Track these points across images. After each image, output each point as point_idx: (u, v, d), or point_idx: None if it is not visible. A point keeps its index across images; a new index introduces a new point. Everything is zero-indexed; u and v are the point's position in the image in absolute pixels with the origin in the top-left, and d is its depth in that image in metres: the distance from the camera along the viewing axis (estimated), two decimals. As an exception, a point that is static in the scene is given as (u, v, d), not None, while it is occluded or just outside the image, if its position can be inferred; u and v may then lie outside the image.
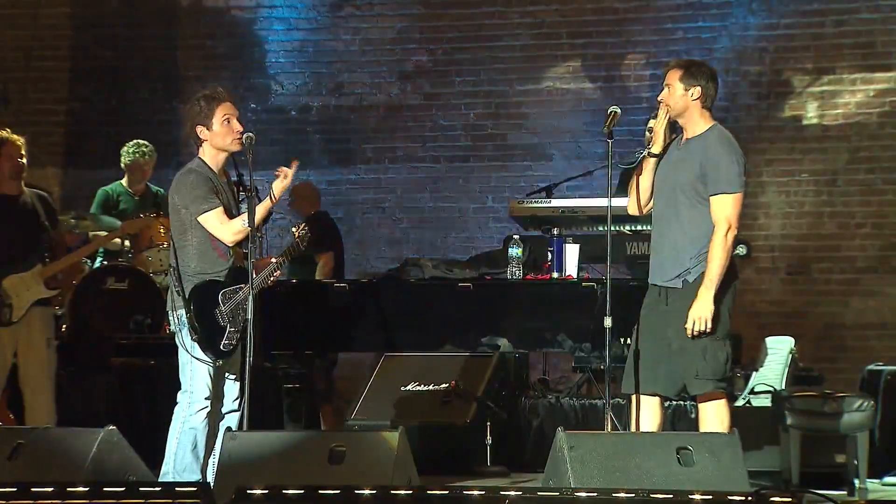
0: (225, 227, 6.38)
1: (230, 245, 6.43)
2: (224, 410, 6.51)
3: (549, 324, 8.11)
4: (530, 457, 8.08)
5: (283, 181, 6.45)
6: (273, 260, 6.61)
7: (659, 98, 6.36)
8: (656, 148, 6.33)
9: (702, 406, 6.29)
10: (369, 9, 11.71)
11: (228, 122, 6.47)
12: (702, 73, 6.32)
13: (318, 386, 9.17)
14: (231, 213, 6.47)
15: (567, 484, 5.52)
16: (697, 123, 6.31)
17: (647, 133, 6.33)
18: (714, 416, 6.24)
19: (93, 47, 12.07)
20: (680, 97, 6.29)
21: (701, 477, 5.56)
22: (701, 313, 6.11)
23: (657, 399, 6.31)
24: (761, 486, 6.04)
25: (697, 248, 6.21)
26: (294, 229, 6.72)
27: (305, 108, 11.84)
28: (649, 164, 6.36)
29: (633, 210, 6.46)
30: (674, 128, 6.43)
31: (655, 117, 6.33)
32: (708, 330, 6.12)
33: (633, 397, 6.31)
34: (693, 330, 6.12)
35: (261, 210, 6.38)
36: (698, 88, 6.28)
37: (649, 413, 6.28)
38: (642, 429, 6.24)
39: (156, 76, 11.91)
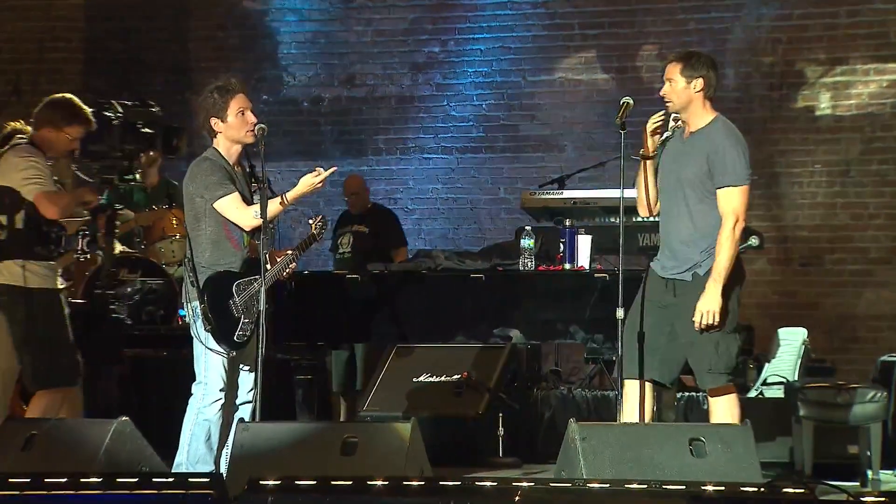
0: (242, 212, 6.38)
1: (248, 230, 6.43)
2: (238, 402, 6.52)
3: (561, 315, 8.10)
4: (542, 448, 8.09)
5: (302, 188, 6.43)
6: (289, 252, 6.61)
7: (661, 93, 6.31)
8: (647, 151, 6.30)
9: (714, 400, 6.26)
10: (381, 0, 11.71)
11: (243, 114, 6.47)
12: (702, 63, 6.25)
13: (340, 377, 9.18)
14: (247, 203, 6.46)
15: (579, 475, 5.52)
16: (701, 116, 6.26)
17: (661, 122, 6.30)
18: (726, 410, 6.22)
19: (105, 39, 12.09)
20: (682, 90, 6.23)
21: (713, 468, 5.55)
22: (709, 307, 6.08)
23: (650, 385, 6.28)
24: (774, 478, 6.03)
25: (707, 241, 6.17)
26: (311, 221, 6.71)
27: (317, 99, 11.85)
28: (645, 166, 6.33)
29: (643, 212, 6.42)
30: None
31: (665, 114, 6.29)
32: (715, 323, 6.09)
33: (626, 383, 6.25)
34: (700, 323, 6.10)
35: (272, 207, 6.37)
36: (700, 80, 6.22)
37: (644, 399, 6.22)
38: (635, 415, 6.20)
39: (168, 68, 11.92)
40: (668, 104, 6.27)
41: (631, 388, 6.21)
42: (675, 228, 6.27)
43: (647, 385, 6.27)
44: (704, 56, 6.33)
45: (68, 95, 7.22)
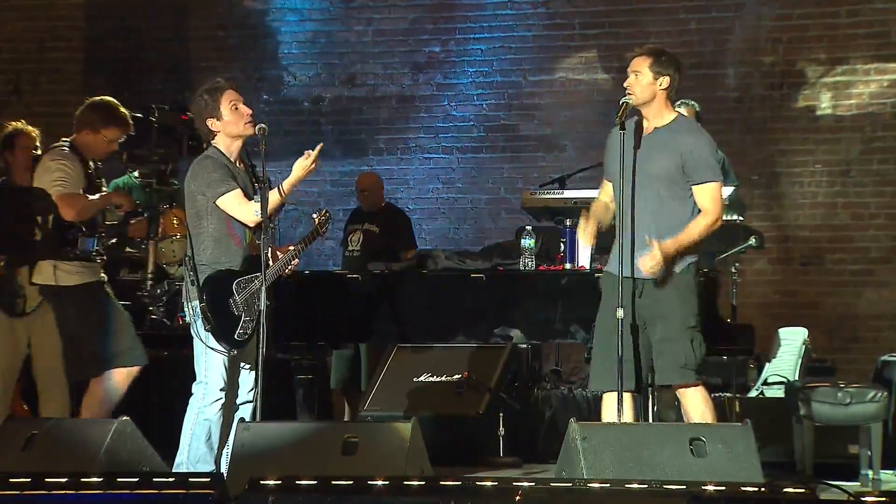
0: (245, 208, 6.38)
1: (251, 226, 6.42)
2: (239, 401, 6.52)
3: (561, 315, 8.08)
4: (543, 448, 8.09)
5: (297, 173, 6.42)
6: (291, 248, 6.61)
7: (625, 84, 6.27)
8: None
9: (687, 392, 6.21)
10: (382, 0, 11.72)
11: (236, 107, 6.48)
12: (671, 63, 6.22)
13: (339, 374, 9.18)
14: (249, 199, 6.46)
15: (580, 475, 5.52)
16: (662, 113, 6.23)
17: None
18: (702, 402, 6.20)
19: (105, 38, 12.10)
20: (647, 85, 6.19)
21: (714, 468, 5.55)
22: (653, 258, 6.03)
23: (629, 393, 6.24)
24: (774, 477, 6.03)
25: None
26: (315, 215, 6.71)
27: (318, 99, 11.85)
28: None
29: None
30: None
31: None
32: (657, 266, 6.05)
33: (607, 394, 6.20)
34: (645, 262, 6.04)
35: (271, 199, 6.36)
36: (667, 78, 6.19)
37: (626, 408, 6.17)
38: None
39: (168, 67, 11.92)
40: (629, 95, 6.23)
41: (610, 399, 6.16)
42: (644, 225, 6.16)
43: (628, 394, 6.24)
44: (673, 56, 6.30)
45: (107, 98, 7.34)
